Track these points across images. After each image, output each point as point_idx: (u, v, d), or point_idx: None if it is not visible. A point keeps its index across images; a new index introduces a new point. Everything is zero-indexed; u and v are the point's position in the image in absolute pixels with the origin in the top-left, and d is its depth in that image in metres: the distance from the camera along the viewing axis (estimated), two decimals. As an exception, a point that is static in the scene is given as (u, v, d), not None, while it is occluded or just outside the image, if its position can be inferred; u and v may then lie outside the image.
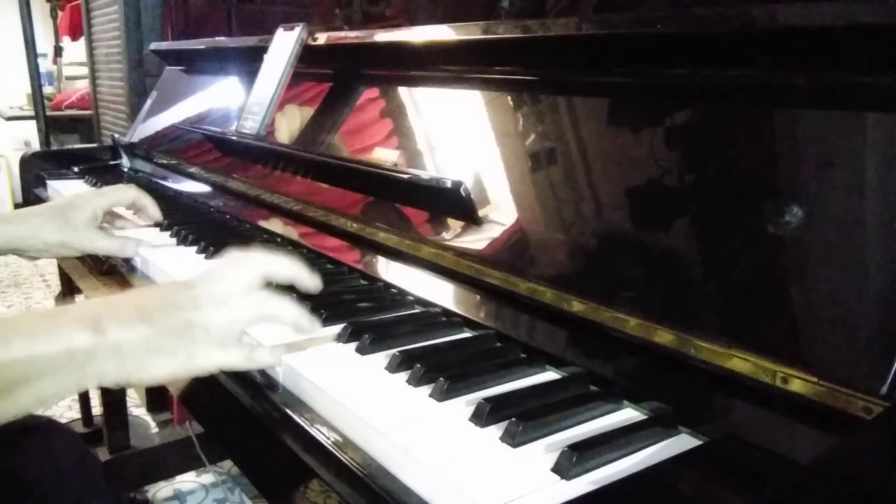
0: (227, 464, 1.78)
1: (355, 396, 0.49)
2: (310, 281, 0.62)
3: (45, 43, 3.73)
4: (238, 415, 0.57)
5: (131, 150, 1.52)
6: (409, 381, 0.52)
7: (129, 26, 1.77)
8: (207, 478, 1.76)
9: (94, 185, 1.33)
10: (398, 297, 0.71)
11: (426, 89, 0.85)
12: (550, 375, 0.55)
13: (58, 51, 3.81)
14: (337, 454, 0.45)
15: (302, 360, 0.55)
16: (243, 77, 1.28)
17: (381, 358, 0.56)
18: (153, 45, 1.70)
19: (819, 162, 0.46)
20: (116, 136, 1.64)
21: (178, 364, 0.53)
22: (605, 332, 0.52)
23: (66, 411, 2.06)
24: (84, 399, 1.86)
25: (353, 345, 0.58)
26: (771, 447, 0.41)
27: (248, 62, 1.20)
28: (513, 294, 0.60)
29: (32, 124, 2.30)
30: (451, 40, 0.78)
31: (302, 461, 0.47)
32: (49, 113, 2.53)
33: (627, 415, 0.49)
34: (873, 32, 0.43)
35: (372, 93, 0.94)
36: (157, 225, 0.98)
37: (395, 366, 0.54)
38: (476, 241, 0.66)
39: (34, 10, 2.21)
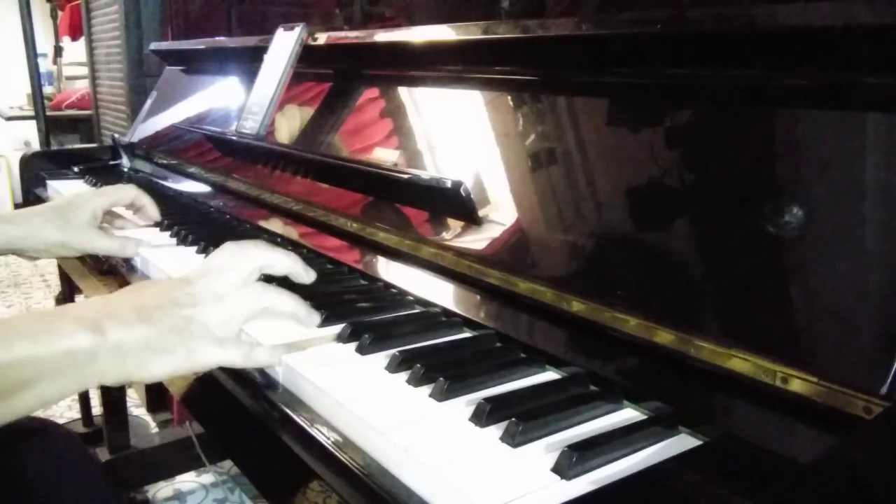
0: (227, 464, 1.78)
1: (355, 396, 0.49)
2: (304, 274, 0.63)
3: (45, 43, 3.73)
4: (238, 415, 0.57)
5: (131, 150, 1.52)
6: (409, 381, 0.52)
7: (129, 26, 1.77)
8: (207, 478, 1.76)
9: (94, 185, 1.33)
10: (398, 297, 0.71)
11: (426, 89, 0.85)
12: (550, 375, 0.55)
13: (58, 51, 3.81)
14: (337, 454, 0.45)
15: (302, 359, 0.55)
16: (243, 77, 1.28)
17: (381, 358, 0.56)
18: (153, 45, 1.70)
19: (819, 162, 0.46)
20: (116, 136, 1.64)
21: (178, 362, 0.53)
22: (604, 332, 0.52)
23: (66, 411, 2.06)
24: (84, 399, 1.86)
25: (353, 345, 0.58)
26: (771, 447, 0.41)
27: (248, 62, 1.20)
28: (513, 294, 0.60)
29: (32, 124, 2.30)
30: (451, 40, 0.78)
31: (302, 461, 0.47)
32: (49, 113, 2.53)
33: (627, 415, 0.49)
34: (873, 32, 0.43)
35: (372, 93, 0.94)
36: (156, 225, 0.98)
37: (395, 366, 0.54)
38: (476, 241, 0.66)
39: (34, 10, 2.21)
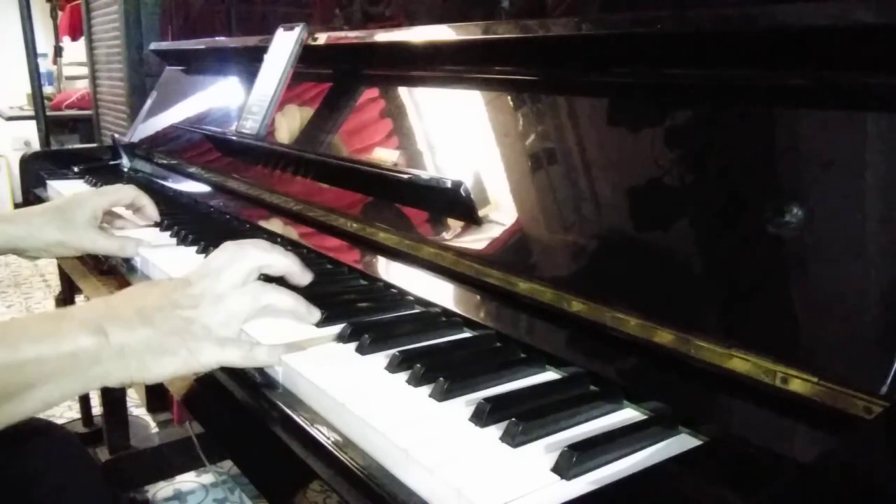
0: (227, 464, 1.78)
1: (355, 396, 0.49)
2: (301, 275, 0.63)
3: (45, 43, 3.73)
4: (238, 415, 0.57)
5: (131, 150, 1.52)
6: (409, 381, 0.52)
7: (129, 26, 1.77)
8: (207, 478, 1.76)
9: (94, 185, 1.33)
10: (398, 297, 0.71)
11: (426, 89, 0.85)
12: (550, 375, 0.55)
13: (58, 51, 3.81)
14: (337, 454, 0.45)
15: (302, 359, 0.55)
16: (243, 77, 1.28)
17: (381, 358, 0.56)
18: (153, 45, 1.70)
19: (819, 161, 0.46)
20: (116, 136, 1.64)
21: (179, 362, 0.54)
22: (604, 332, 0.52)
23: (66, 411, 2.06)
24: (84, 399, 1.86)
25: (353, 345, 0.58)
26: (771, 447, 0.41)
27: (248, 62, 1.20)
28: (513, 294, 0.60)
29: (32, 124, 2.30)
30: (451, 40, 0.78)
31: (302, 461, 0.47)
32: (49, 113, 2.53)
33: (627, 415, 0.49)
34: (873, 32, 0.43)
35: (372, 93, 0.94)
36: (156, 225, 0.99)
37: (395, 366, 0.54)
38: (476, 240, 0.66)
39: (34, 10, 2.21)
